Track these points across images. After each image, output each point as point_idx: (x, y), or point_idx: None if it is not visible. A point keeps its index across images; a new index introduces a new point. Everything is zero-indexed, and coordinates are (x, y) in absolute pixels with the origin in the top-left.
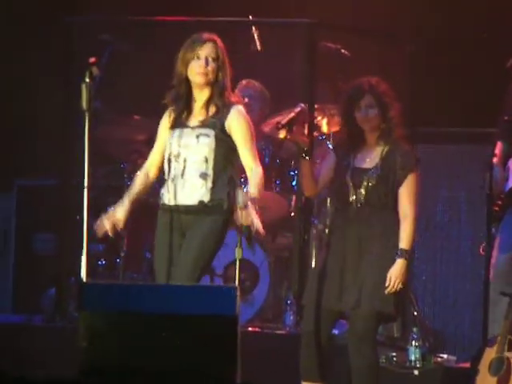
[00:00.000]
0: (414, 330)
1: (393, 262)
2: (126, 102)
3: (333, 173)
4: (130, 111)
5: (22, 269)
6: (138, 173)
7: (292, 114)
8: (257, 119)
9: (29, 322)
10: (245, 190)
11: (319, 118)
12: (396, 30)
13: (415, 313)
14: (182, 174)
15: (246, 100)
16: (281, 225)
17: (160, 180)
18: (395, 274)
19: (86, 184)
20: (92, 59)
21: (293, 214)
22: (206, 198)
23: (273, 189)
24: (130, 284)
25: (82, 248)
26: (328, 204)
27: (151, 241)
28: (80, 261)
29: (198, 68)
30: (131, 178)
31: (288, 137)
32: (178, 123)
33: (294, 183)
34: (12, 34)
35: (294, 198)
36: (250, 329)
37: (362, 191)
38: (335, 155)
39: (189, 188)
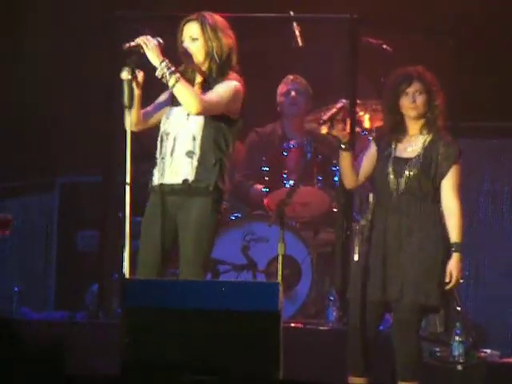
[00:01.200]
0: (458, 325)
1: (433, 253)
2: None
3: (374, 163)
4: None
5: (64, 266)
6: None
7: (334, 110)
8: (301, 114)
9: (72, 318)
10: None
11: (361, 113)
12: (438, 23)
13: (458, 308)
14: (172, 152)
15: (293, 94)
16: (323, 220)
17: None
18: (455, 269)
19: (127, 181)
20: (133, 56)
21: (335, 209)
22: (191, 177)
23: (315, 184)
24: (172, 280)
25: (125, 245)
26: (370, 199)
27: None
28: (122, 257)
29: (181, 49)
30: None
31: (330, 132)
32: (175, 102)
33: (336, 179)
34: (53, 32)
35: (336, 193)
36: (292, 325)
37: (403, 180)
38: (376, 145)
39: (175, 166)
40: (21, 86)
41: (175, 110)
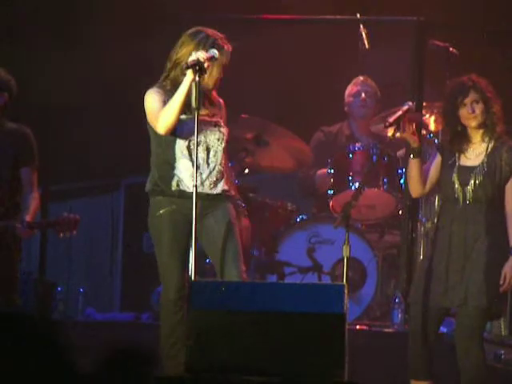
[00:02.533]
0: None
1: (499, 260)
2: (233, 101)
3: (439, 173)
4: (237, 110)
5: (130, 267)
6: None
7: (400, 113)
8: (369, 116)
9: (137, 319)
10: None
11: (427, 115)
12: (506, 24)
13: None
14: (207, 163)
15: (363, 95)
16: (388, 223)
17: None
18: (510, 272)
19: (193, 183)
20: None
21: (400, 211)
22: (226, 187)
23: (380, 187)
24: (237, 282)
25: (191, 246)
26: (436, 202)
27: (258, 238)
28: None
29: (218, 74)
30: (238, 176)
31: (396, 135)
32: (192, 109)
33: (401, 181)
34: (118, 31)
35: (401, 196)
36: (357, 327)
37: (470, 189)
38: (440, 155)
39: (213, 177)
40: (86, 88)
41: (202, 119)
